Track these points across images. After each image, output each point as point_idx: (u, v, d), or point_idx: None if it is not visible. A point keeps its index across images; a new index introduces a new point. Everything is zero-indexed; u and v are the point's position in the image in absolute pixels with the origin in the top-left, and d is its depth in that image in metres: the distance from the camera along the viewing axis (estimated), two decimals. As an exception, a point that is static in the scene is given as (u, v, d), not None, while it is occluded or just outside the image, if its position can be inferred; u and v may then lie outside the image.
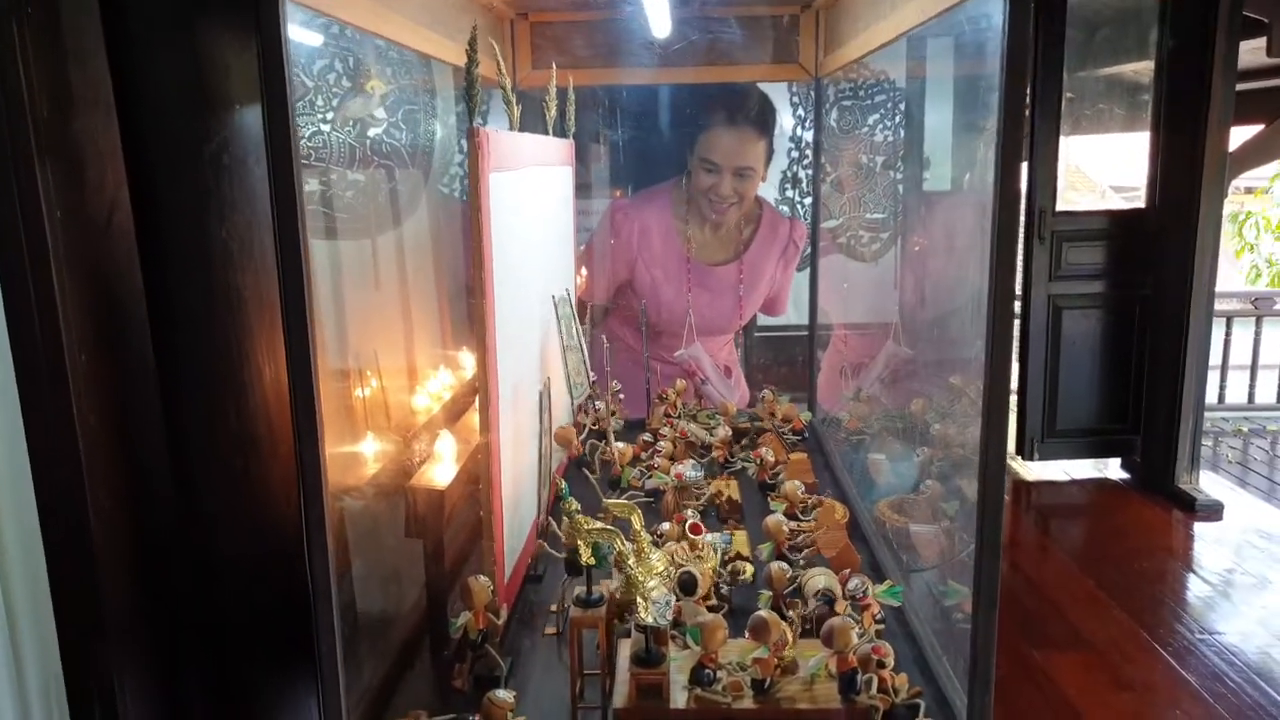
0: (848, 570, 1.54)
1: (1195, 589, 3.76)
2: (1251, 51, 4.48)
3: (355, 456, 1.68)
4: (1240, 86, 4.41)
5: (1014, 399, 5.06)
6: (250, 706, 1.60)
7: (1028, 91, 4.61)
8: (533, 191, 1.84)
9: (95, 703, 1.31)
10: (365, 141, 1.97)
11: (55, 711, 1.31)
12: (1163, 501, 4.63)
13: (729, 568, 1.68)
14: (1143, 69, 4.59)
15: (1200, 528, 4.37)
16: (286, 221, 1.12)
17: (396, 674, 1.48)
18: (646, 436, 2.41)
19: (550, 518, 1.82)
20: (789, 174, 3.72)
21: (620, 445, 2.20)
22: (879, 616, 1.54)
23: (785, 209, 3.34)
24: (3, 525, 1.24)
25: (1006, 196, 1.10)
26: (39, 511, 1.26)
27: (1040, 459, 4.97)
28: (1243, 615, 3.51)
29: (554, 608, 1.64)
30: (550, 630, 1.61)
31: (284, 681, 1.64)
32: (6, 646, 1.24)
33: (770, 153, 2.84)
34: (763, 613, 1.32)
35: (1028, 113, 4.67)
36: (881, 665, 1.32)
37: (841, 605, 1.42)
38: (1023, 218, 4.69)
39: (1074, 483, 4.99)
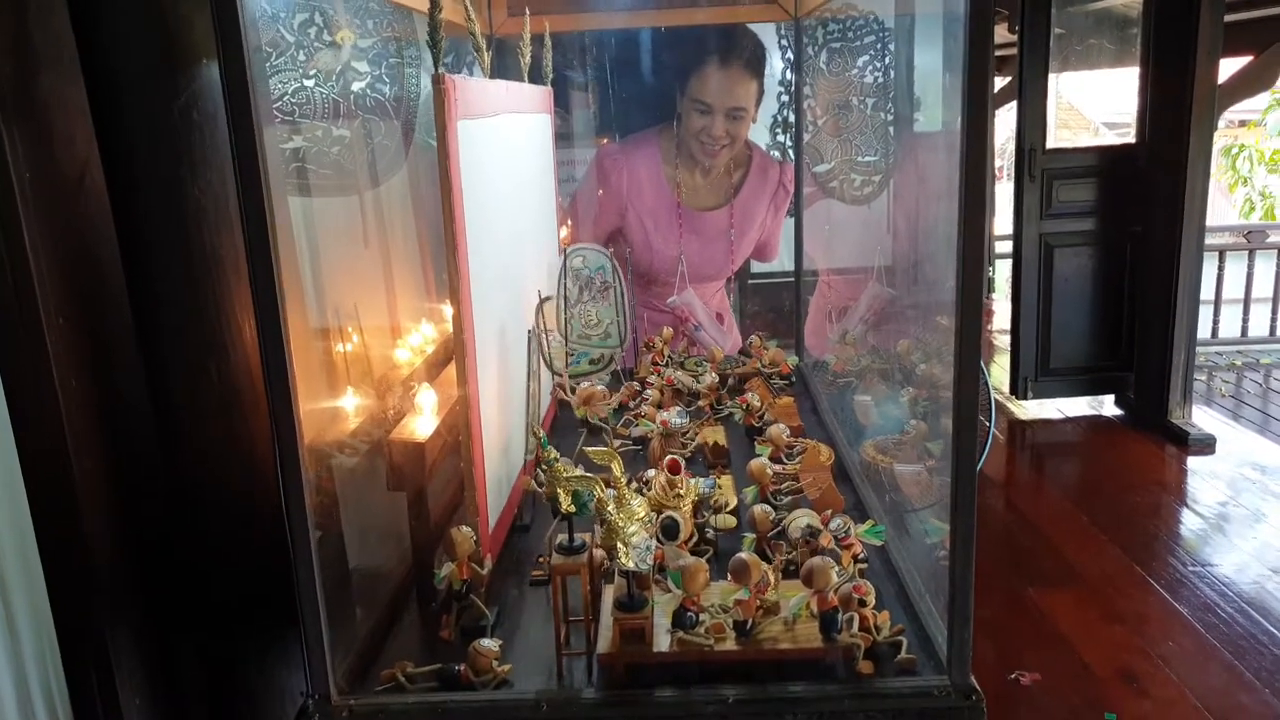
0: (829, 511, 1.54)
1: (1188, 523, 3.80)
2: (1241, -20, 4.44)
3: (337, 411, 1.68)
4: (1229, 17, 4.38)
5: (1007, 338, 5.07)
6: (241, 662, 1.62)
7: (1017, 27, 4.57)
8: (507, 139, 1.83)
9: (90, 665, 1.33)
10: (349, 95, 1.95)
11: (50, 671, 1.33)
12: (1156, 437, 4.66)
13: (716, 518, 1.68)
14: (1132, 2, 4.55)
15: (1193, 462, 4.40)
16: (249, 179, 1.11)
17: (384, 626, 1.49)
18: (634, 385, 2.41)
19: (539, 467, 1.83)
20: (779, 118, 3.69)
21: (600, 388, 2.20)
22: (862, 556, 1.54)
23: (776, 154, 3.32)
24: (-11, 492, 1.25)
25: (974, 135, 1.09)
26: (23, 475, 1.26)
27: (1034, 397, 5.00)
28: (1236, 548, 3.55)
29: (541, 558, 1.65)
30: (537, 573, 1.62)
31: (273, 636, 1.66)
32: (1, 613, 1.25)
33: (761, 93, 2.81)
34: (743, 555, 1.32)
35: (1016, 51, 4.63)
36: (863, 604, 1.33)
37: (826, 538, 1.43)
38: (1012, 157, 4.68)
39: (1068, 420, 5.02)
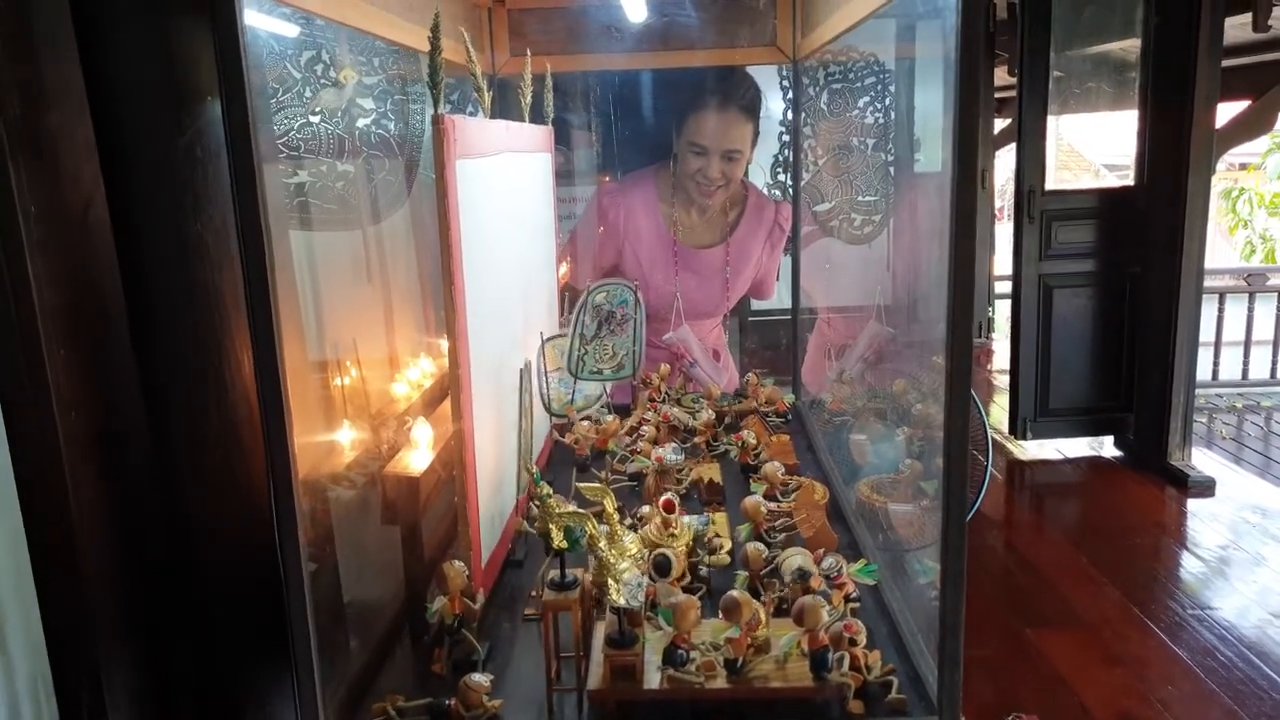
0: (822, 549, 1.55)
1: (1188, 566, 3.78)
2: (1238, 27, 4.49)
3: (333, 445, 1.69)
4: (1227, 63, 4.43)
5: (1006, 379, 5.07)
6: (235, 695, 1.61)
7: (1017, 70, 4.61)
8: (507, 178, 1.85)
9: (83, 696, 1.33)
10: (354, 131, 1.97)
11: (44, 702, 1.32)
12: (1156, 479, 4.65)
13: (710, 557, 1.68)
14: (1130, 47, 4.59)
15: (1193, 504, 4.38)
16: (249, 216, 1.13)
17: (376, 660, 1.49)
18: (647, 414, 2.42)
19: (532, 502, 1.84)
20: (780, 158, 3.72)
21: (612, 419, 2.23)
22: (854, 595, 1.54)
23: (777, 193, 3.35)
24: (-14, 521, 1.25)
25: (964, 176, 1.11)
26: (21, 508, 1.27)
27: (1034, 438, 4.99)
28: (1237, 592, 3.53)
29: (534, 593, 1.65)
30: (530, 610, 1.62)
31: (268, 670, 1.66)
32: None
33: (757, 135, 2.84)
34: (734, 593, 1.33)
35: (1016, 93, 4.67)
36: (853, 643, 1.33)
37: (817, 580, 1.43)
38: (1013, 198, 4.72)
39: (1067, 461, 5.01)
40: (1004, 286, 7.15)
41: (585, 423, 2.16)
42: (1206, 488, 4.50)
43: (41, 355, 1.23)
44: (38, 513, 1.27)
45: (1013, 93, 4.93)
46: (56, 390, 1.25)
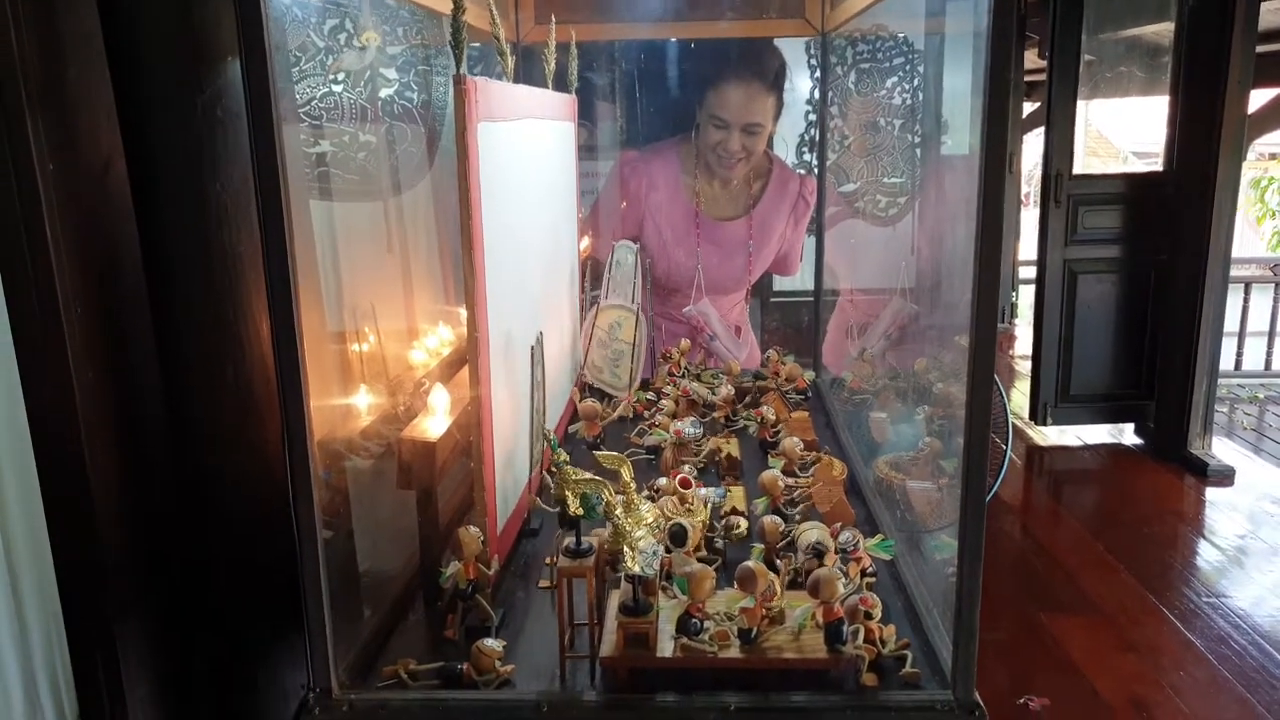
0: (839, 524, 1.54)
1: (1205, 554, 3.76)
2: (1273, 12, 4.42)
3: (349, 410, 1.69)
4: (1261, 48, 4.36)
5: (1028, 364, 5.04)
6: (249, 655, 1.62)
7: (1047, 53, 4.55)
8: (529, 143, 1.83)
9: (97, 655, 1.33)
10: (377, 101, 1.96)
11: (58, 660, 1.33)
12: (1175, 467, 4.62)
13: (724, 522, 1.68)
14: (1163, 30, 4.53)
15: (1212, 493, 4.36)
16: (267, 178, 1.12)
17: (389, 623, 1.49)
18: (650, 395, 2.42)
19: (546, 473, 1.83)
20: (806, 137, 3.68)
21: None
22: (870, 569, 1.54)
23: (802, 172, 3.32)
24: (3, 478, 1.25)
25: (992, 157, 1.09)
26: (37, 466, 1.27)
27: (1054, 424, 4.97)
28: (1253, 581, 3.51)
29: (549, 560, 1.65)
30: (544, 583, 1.62)
31: (282, 631, 1.66)
32: (8, 597, 1.26)
33: (779, 107, 2.81)
34: (750, 563, 1.32)
35: (1045, 77, 4.62)
36: (869, 616, 1.33)
37: (831, 558, 1.43)
38: (1040, 182, 4.67)
39: (1087, 448, 4.99)
40: (1027, 272, 7.10)
41: (592, 401, 2.15)
42: (1226, 477, 4.48)
43: (59, 314, 1.23)
44: (54, 474, 1.27)
45: (1043, 76, 4.87)
46: (73, 349, 1.25)
